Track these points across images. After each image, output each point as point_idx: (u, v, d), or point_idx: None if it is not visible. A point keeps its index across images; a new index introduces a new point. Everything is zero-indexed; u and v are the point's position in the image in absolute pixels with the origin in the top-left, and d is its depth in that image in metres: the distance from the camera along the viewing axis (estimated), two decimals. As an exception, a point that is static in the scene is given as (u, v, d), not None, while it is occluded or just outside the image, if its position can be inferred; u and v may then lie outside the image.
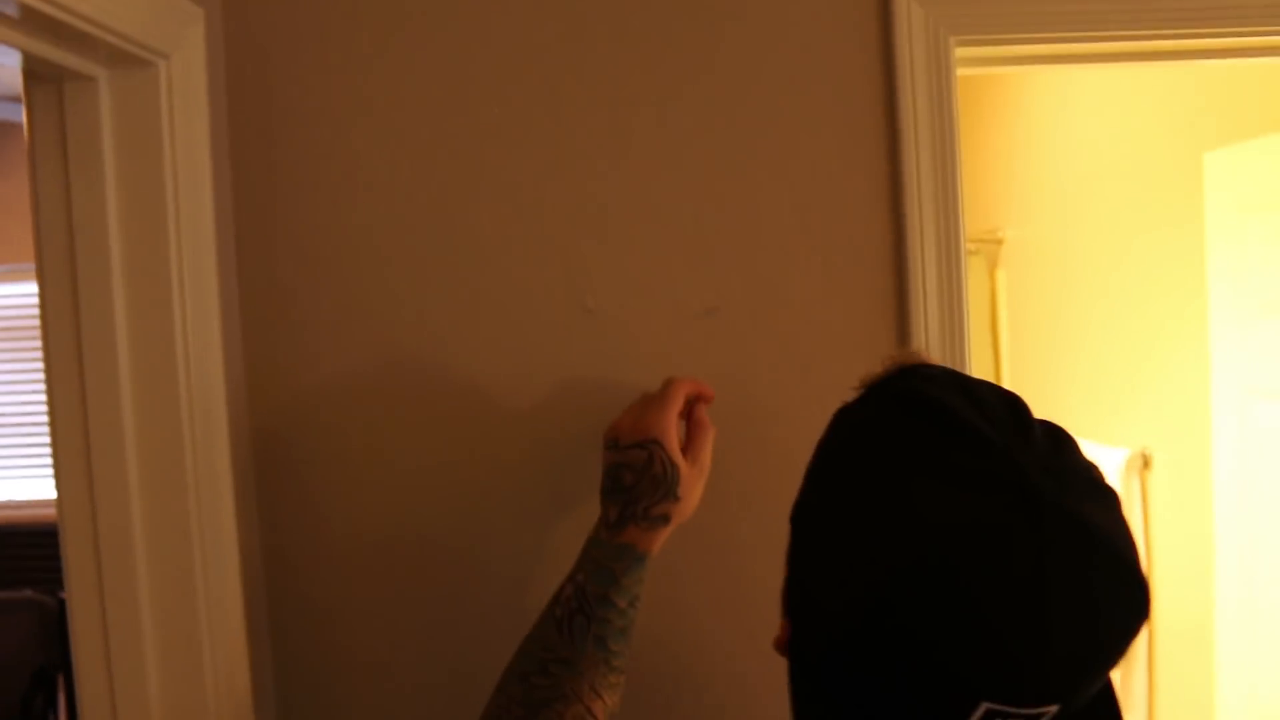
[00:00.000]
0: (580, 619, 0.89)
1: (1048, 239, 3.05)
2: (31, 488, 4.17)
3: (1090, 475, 0.60)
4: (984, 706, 0.54)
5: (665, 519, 0.93)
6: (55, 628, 2.73)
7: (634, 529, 0.92)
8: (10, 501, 4.15)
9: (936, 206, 1.14)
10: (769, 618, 1.18)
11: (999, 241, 3.41)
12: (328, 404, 1.15)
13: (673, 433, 0.95)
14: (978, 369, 3.12)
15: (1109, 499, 0.59)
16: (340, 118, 1.13)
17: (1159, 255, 2.39)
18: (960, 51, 1.17)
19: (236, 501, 1.09)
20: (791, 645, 0.65)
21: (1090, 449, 2.50)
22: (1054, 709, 0.55)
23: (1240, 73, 2.12)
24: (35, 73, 1.01)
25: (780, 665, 0.70)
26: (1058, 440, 0.61)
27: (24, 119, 1.05)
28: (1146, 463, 2.40)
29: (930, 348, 1.13)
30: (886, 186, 1.16)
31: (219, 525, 1.06)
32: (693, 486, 0.96)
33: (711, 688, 1.17)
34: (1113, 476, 2.38)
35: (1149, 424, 2.37)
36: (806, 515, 0.66)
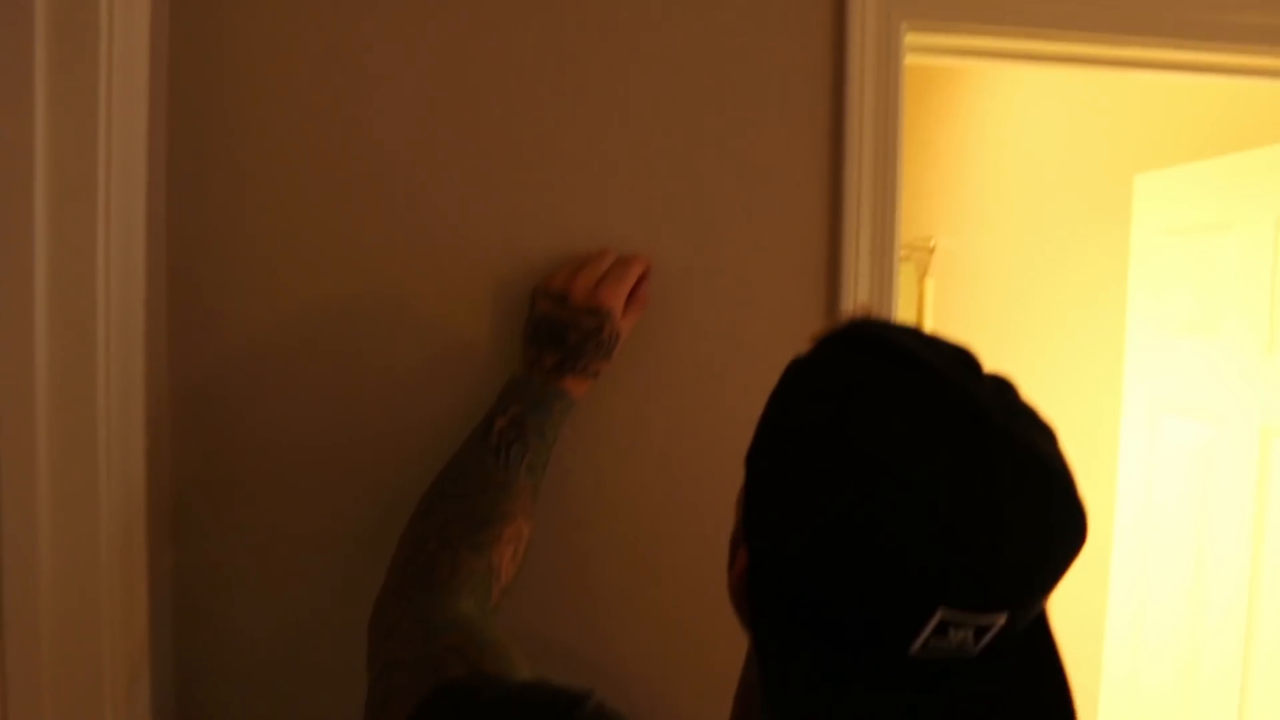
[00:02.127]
0: (518, 447, 0.99)
1: (979, 249, 3.10)
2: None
3: (1034, 413, 0.64)
4: (940, 613, 0.56)
5: (597, 374, 1.06)
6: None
7: (571, 379, 1.04)
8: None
9: (876, 182, 1.14)
10: (694, 564, 1.19)
11: (930, 250, 3.46)
12: (253, 357, 1.10)
13: (622, 306, 1.06)
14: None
15: (1051, 434, 0.63)
16: (282, 45, 1.08)
17: (1087, 271, 2.45)
18: (910, 38, 1.16)
19: (149, 494, 1.04)
20: (750, 576, 0.66)
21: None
22: (1002, 619, 0.58)
23: (1179, 98, 2.17)
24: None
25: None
26: (1003, 384, 0.65)
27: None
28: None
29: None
30: (827, 162, 1.16)
31: (128, 480, 1.01)
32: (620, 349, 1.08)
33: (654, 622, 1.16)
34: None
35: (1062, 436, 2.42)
36: (762, 454, 0.67)
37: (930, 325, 3.44)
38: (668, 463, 1.17)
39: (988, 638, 0.58)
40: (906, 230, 3.53)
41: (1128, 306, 2.22)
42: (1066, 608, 2.39)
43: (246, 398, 1.11)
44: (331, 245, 1.10)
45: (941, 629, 0.57)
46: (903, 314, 3.25)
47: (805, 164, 1.15)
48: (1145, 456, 2.14)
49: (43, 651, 0.98)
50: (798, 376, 0.69)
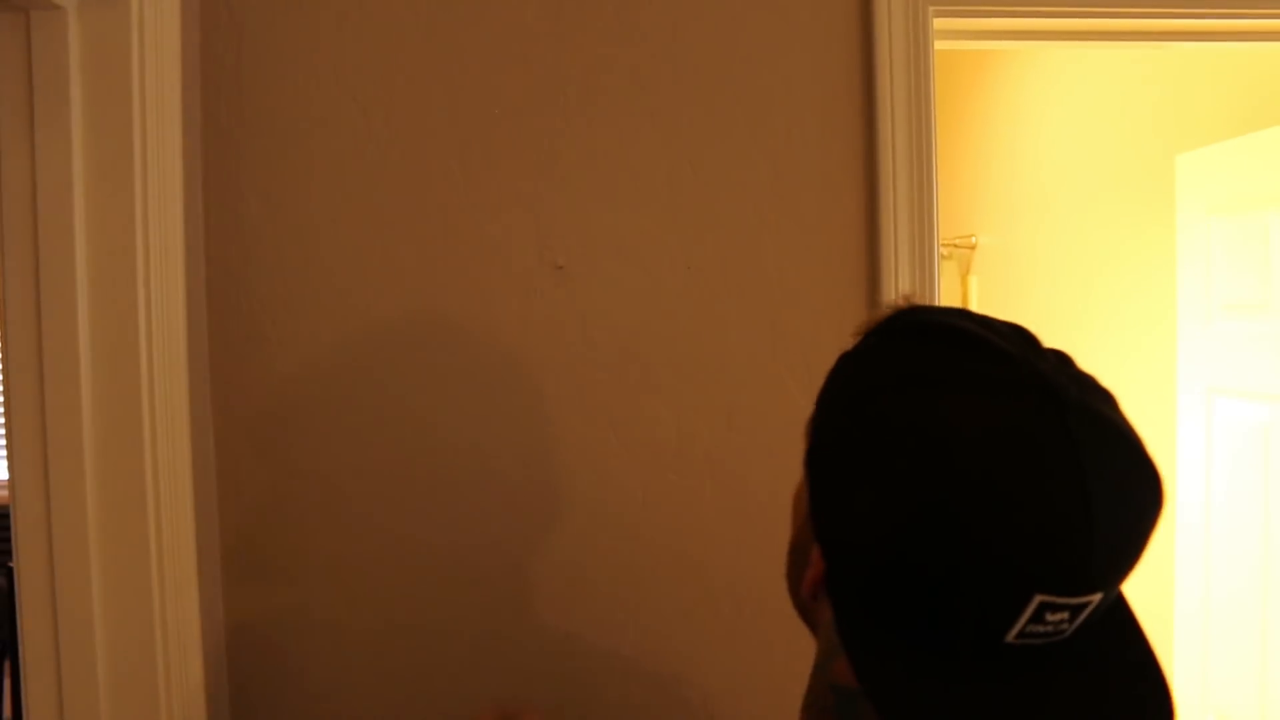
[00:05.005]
0: None
1: (1022, 243, 3.07)
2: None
3: (1097, 383, 0.63)
4: (1038, 599, 0.55)
5: None
6: (6, 606, 2.67)
7: None
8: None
9: (911, 172, 1.14)
10: (749, 570, 1.18)
11: (972, 247, 3.44)
12: (296, 375, 1.13)
13: None
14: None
15: (1115, 402, 0.62)
16: (312, 57, 1.12)
17: (1130, 257, 2.42)
18: (939, 23, 1.17)
19: (195, 484, 1.07)
20: (830, 578, 0.64)
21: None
22: (1098, 597, 0.57)
23: (1214, 74, 2.15)
24: (3, 1, 0.99)
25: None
26: (1063, 357, 0.64)
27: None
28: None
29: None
30: (862, 156, 1.16)
31: (177, 514, 1.04)
32: None
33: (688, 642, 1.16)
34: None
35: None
36: (829, 452, 0.65)
37: (975, 323, 3.41)
38: (714, 468, 1.17)
39: (1083, 616, 0.58)
40: (947, 229, 3.51)
41: (1177, 289, 2.19)
42: (1131, 597, 2.35)
43: (292, 421, 1.14)
44: (366, 264, 1.13)
45: (1039, 614, 0.56)
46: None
47: (839, 158, 1.16)
48: (1202, 439, 2.11)
49: (101, 695, 1.02)
50: (854, 371, 0.67)
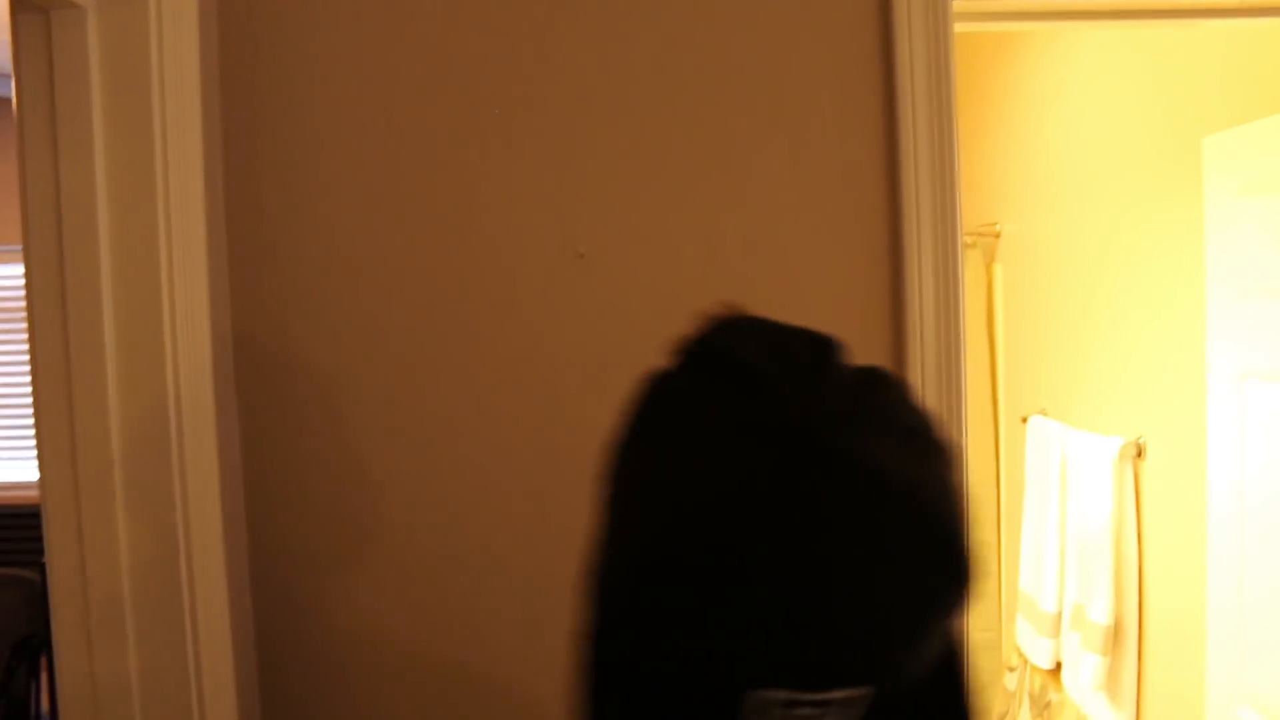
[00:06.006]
0: None
1: (1046, 230, 3.04)
2: (25, 469, 4.17)
3: (909, 423, 0.53)
4: (767, 693, 0.47)
5: None
6: (41, 603, 2.71)
7: None
8: (3, 483, 4.13)
9: (933, 156, 1.13)
10: None
11: (996, 235, 3.40)
12: (319, 368, 1.14)
13: None
14: (972, 361, 3.06)
15: (927, 450, 0.52)
16: (331, 51, 1.12)
17: (1157, 241, 2.39)
18: (959, 4, 1.16)
19: (222, 479, 1.07)
20: (584, 632, 0.57)
21: (1083, 439, 2.46)
22: (855, 692, 0.47)
23: (1240, 54, 2.12)
24: (23, 1, 1.00)
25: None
26: (874, 386, 0.55)
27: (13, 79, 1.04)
28: (1140, 452, 2.38)
29: (925, 295, 1.12)
30: (882, 138, 1.15)
31: (205, 509, 1.05)
32: None
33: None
34: (1105, 466, 2.37)
35: (1145, 412, 2.36)
36: (602, 498, 0.58)
37: (1001, 312, 3.38)
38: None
39: (845, 711, 0.48)
40: (970, 217, 3.48)
41: (1206, 273, 2.16)
42: (1161, 601, 2.33)
43: (316, 413, 1.14)
44: (387, 255, 1.13)
45: (781, 711, 0.47)
46: (971, 303, 3.16)
47: (859, 139, 1.15)
48: (1234, 424, 2.07)
49: (134, 687, 1.03)
50: (637, 405, 0.59)
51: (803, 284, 1.15)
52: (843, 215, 1.15)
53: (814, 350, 0.56)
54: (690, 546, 0.47)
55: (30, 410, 1.03)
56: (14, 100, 1.03)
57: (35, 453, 1.00)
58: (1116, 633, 2.40)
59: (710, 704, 0.48)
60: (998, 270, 3.43)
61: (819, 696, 0.47)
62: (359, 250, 1.13)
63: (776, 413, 0.49)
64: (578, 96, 1.14)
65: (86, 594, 0.99)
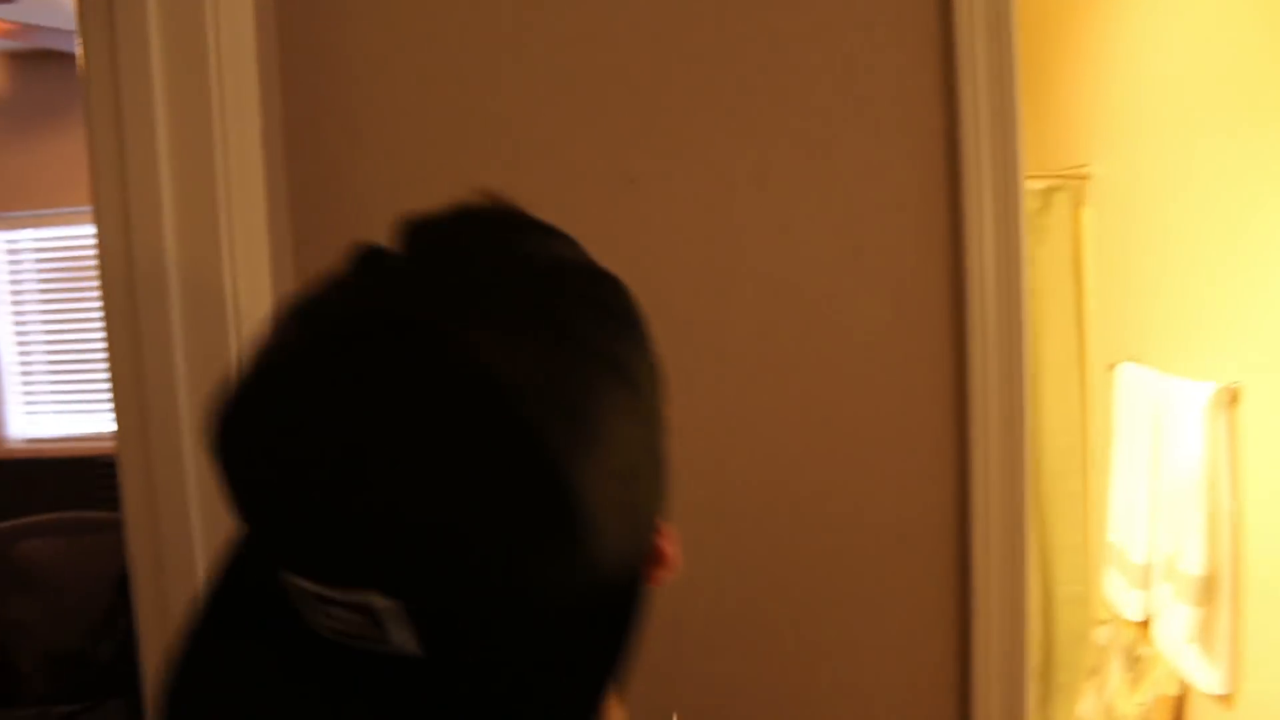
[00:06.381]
0: None
1: (1144, 167, 2.90)
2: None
3: (578, 333, 0.49)
4: (296, 580, 0.44)
5: None
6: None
7: None
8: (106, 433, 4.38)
9: (993, 95, 1.08)
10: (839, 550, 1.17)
11: (1084, 177, 3.26)
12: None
13: None
14: (1058, 310, 2.94)
15: (579, 367, 0.47)
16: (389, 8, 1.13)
17: (1259, 177, 2.26)
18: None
19: None
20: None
21: (1175, 385, 2.35)
22: (380, 600, 0.43)
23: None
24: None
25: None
26: (558, 287, 0.51)
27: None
28: (1234, 398, 2.28)
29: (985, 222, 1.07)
30: (939, 58, 1.10)
31: None
32: None
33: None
34: (1197, 413, 2.28)
35: (1243, 357, 2.25)
36: None
37: (1089, 256, 3.25)
38: (790, 381, 1.14)
39: (402, 632, 0.44)
40: (1057, 159, 3.34)
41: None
42: (1263, 557, 2.22)
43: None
44: (441, 182, 1.13)
45: (311, 603, 0.45)
46: (1058, 248, 3.05)
47: (913, 54, 1.10)
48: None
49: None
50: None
51: (859, 207, 1.12)
52: (897, 139, 1.11)
53: (509, 243, 0.53)
54: (256, 400, 0.45)
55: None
56: (80, 64, 1.07)
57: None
58: (1210, 584, 2.31)
59: (266, 586, 0.47)
60: (1086, 214, 3.29)
61: (338, 594, 0.43)
62: (416, 177, 1.14)
63: (377, 299, 0.47)
64: (624, 23, 1.12)
65: (158, 532, 1.04)
